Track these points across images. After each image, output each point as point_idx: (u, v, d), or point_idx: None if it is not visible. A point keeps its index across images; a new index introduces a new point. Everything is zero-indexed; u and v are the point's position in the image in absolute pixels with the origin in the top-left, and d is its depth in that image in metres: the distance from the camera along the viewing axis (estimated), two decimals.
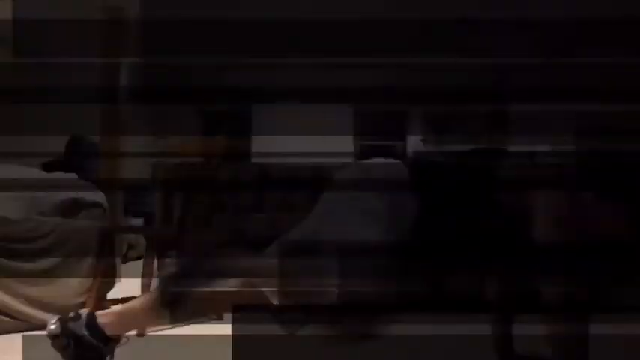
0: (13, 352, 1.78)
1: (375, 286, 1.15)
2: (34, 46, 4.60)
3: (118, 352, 1.35)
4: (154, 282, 2.77)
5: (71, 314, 1.33)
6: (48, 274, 2.21)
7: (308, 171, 2.11)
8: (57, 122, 4.10)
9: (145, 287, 2.13)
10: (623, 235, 1.15)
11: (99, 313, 1.35)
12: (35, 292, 2.16)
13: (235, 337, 1.42)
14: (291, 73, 5.08)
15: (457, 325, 1.30)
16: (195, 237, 2.18)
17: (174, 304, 1.28)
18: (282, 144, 5.26)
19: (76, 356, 1.29)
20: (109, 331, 1.30)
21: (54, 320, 1.32)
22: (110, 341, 1.31)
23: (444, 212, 1.23)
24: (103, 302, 2.36)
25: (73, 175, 2.85)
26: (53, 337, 1.30)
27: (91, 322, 1.30)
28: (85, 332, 1.28)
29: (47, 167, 3.09)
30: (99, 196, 2.68)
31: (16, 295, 2.10)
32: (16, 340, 1.98)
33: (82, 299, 2.31)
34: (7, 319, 2.08)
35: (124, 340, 1.36)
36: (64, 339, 1.29)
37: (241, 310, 1.29)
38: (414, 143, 6.66)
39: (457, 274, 1.22)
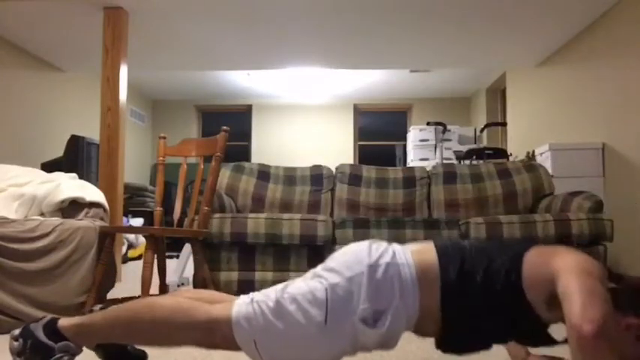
0: None
1: None
2: None
3: None
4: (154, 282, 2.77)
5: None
6: (48, 274, 2.21)
7: None
8: None
9: (145, 287, 2.12)
10: None
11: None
12: (35, 292, 2.16)
13: None
14: None
15: None
16: None
17: None
18: None
19: None
20: None
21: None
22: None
23: None
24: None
25: (74, 175, 2.85)
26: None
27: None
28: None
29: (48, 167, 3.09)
30: (99, 196, 2.67)
31: (16, 295, 2.10)
32: None
33: (82, 299, 2.31)
34: (8, 319, 2.08)
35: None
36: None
37: None
38: None
39: None
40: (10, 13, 4.34)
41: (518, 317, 1.18)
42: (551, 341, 1.24)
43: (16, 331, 1.34)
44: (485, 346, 1.28)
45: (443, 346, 1.28)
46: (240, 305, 1.22)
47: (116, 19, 4.09)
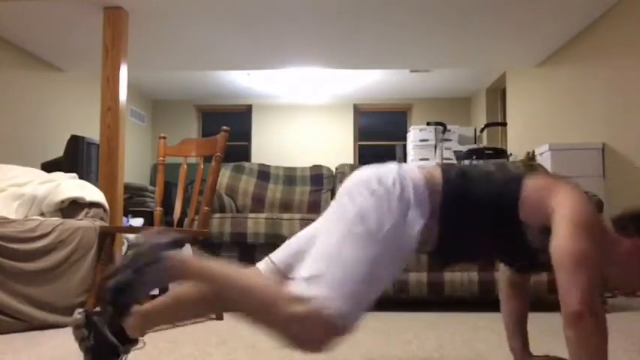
0: (13, 352, 1.77)
1: None
2: None
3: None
4: None
5: (98, 308, 1.33)
6: (48, 274, 2.21)
7: None
8: None
9: None
10: None
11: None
12: (35, 292, 2.16)
13: None
14: None
15: None
16: None
17: None
18: None
19: (92, 350, 1.28)
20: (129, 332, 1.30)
21: (80, 310, 1.33)
22: (128, 342, 1.31)
23: None
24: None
25: (74, 175, 2.85)
26: (76, 326, 1.30)
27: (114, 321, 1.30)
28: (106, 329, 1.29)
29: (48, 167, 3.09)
30: (99, 196, 2.68)
31: (16, 295, 2.10)
32: (16, 339, 1.97)
33: (82, 299, 2.31)
34: (8, 319, 2.08)
35: (140, 344, 1.35)
36: (84, 330, 1.29)
37: None
38: None
39: None
40: (10, 13, 4.34)
41: (509, 236, 1.26)
42: (537, 268, 1.29)
43: (80, 319, 1.31)
44: (472, 258, 1.36)
45: (435, 255, 1.35)
46: (324, 301, 1.09)
47: (116, 19, 4.09)
